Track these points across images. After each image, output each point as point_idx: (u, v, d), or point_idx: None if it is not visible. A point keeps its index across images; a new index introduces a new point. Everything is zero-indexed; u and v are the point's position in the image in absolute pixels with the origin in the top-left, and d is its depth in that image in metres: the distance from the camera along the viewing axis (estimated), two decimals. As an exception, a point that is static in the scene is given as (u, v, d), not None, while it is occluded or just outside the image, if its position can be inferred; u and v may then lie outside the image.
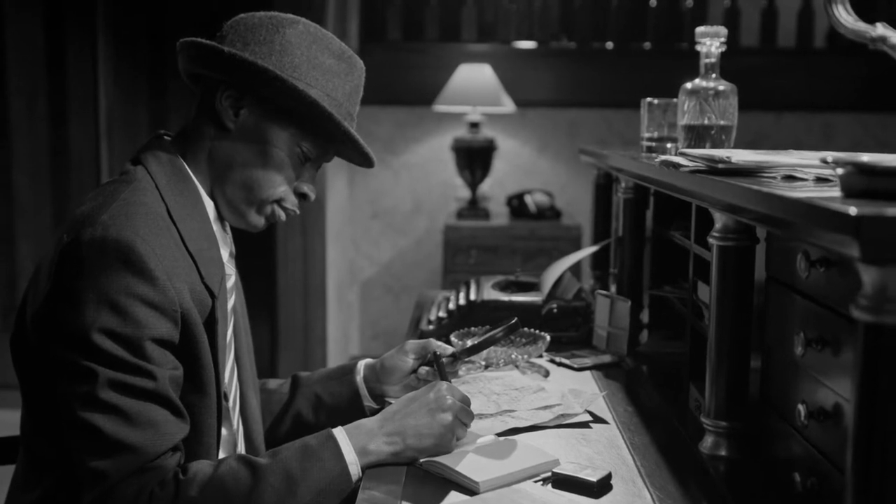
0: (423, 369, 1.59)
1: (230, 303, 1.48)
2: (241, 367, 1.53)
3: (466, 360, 1.76)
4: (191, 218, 1.37)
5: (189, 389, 1.32)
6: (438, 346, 1.59)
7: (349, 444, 1.31)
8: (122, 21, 4.18)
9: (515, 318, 1.59)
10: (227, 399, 1.45)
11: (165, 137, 1.46)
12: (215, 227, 1.43)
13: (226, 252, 1.47)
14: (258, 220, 1.45)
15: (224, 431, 1.41)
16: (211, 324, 1.36)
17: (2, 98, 4.19)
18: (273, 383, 1.69)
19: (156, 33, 4.20)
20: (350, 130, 1.42)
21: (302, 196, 1.47)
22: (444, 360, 1.55)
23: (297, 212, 1.48)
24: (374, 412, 1.58)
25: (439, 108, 4.15)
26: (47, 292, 1.26)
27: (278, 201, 1.44)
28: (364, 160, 1.49)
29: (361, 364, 1.66)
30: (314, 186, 1.48)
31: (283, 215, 1.46)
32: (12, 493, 1.40)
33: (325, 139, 1.44)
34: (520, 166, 4.56)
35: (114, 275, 1.22)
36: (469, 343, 1.62)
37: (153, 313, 1.24)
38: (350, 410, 1.61)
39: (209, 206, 1.43)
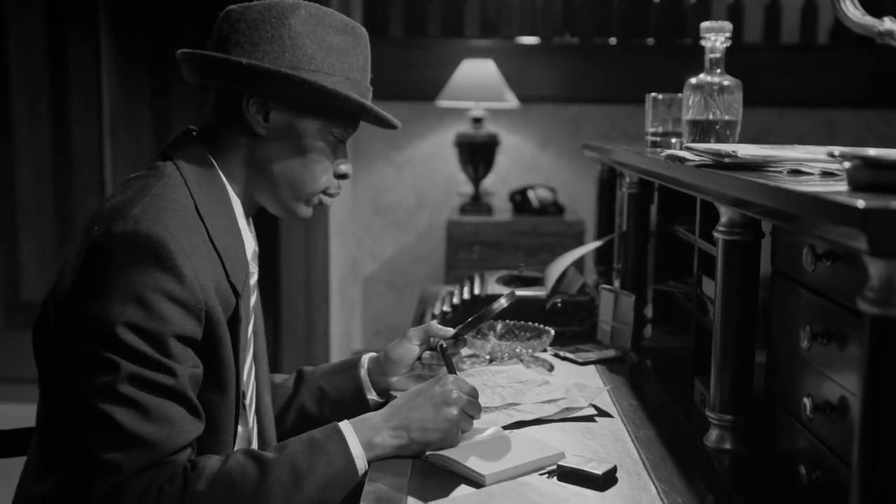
0: (427, 354, 1.61)
1: (252, 300, 1.49)
2: (257, 365, 1.55)
3: (472, 354, 1.79)
4: (218, 215, 1.38)
5: (209, 388, 1.32)
6: (439, 328, 1.61)
7: (355, 437, 1.32)
8: (123, 19, 4.18)
9: (511, 290, 1.61)
10: (244, 397, 1.46)
11: (194, 133, 1.46)
12: (241, 223, 1.44)
13: (250, 249, 1.48)
14: (307, 212, 1.49)
15: (240, 429, 1.42)
16: (234, 322, 1.37)
17: (4, 97, 4.19)
18: (278, 378, 1.70)
19: (157, 31, 4.20)
20: (380, 112, 1.44)
21: (342, 176, 1.49)
22: (446, 342, 1.57)
23: (340, 191, 1.51)
24: (377, 406, 1.59)
25: (442, 103, 4.15)
26: (73, 282, 1.26)
27: (324, 190, 1.47)
28: (388, 125, 1.51)
29: (366, 358, 1.67)
30: (349, 161, 1.50)
31: (328, 200, 1.49)
32: (25, 482, 1.40)
33: (354, 121, 1.47)
34: (522, 162, 4.56)
35: (142, 270, 1.23)
36: (469, 320, 1.61)
37: (178, 310, 1.25)
38: (354, 404, 1.62)
39: (236, 203, 1.44)
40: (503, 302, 1.59)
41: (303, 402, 1.65)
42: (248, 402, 1.49)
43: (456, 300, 2.18)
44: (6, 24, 4.15)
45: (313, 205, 1.48)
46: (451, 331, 1.61)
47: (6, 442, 1.66)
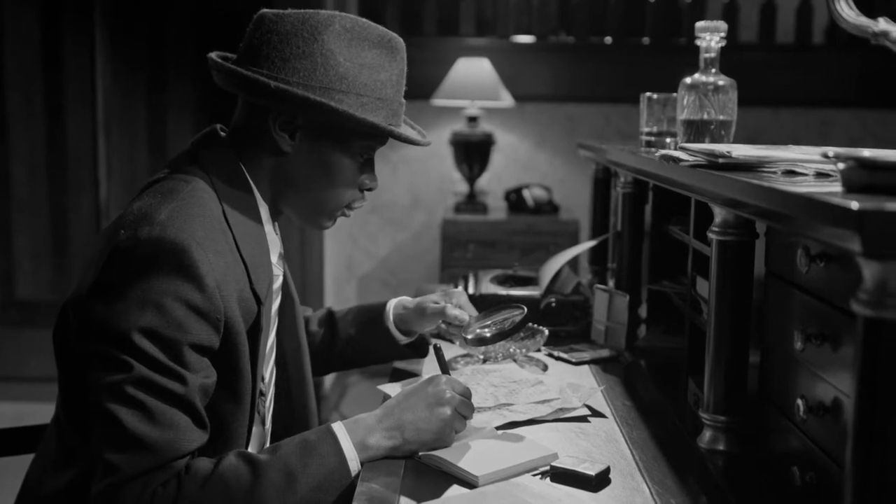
0: (443, 325, 1.75)
1: (275, 305, 1.51)
2: (285, 367, 1.57)
3: (466, 354, 1.80)
4: (246, 221, 1.39)
5: (224, 397, 1.33)
6: (454, 316, 1.70)
7: (348, 439, 1.31)
8: (119, 16, 4.16)
9: (523, 310, 1.71)
10: (263, 397, 1.47)
11: (222, 132, 1.46)
12: (267, 228, 1.45)
13: (275, 254, 1.49)
14: (330, 224, 1.50)
15: (255, 429, 1.43)
16: (255, 332, 1.37)
17: (-1, 93, 4.18)
18: (312, 325, 1.80)
19: (153, 27, 4.19)
20: (410, 137, 1.45)
21: (367, 189, 1.50)
22: (456, 322, 1.69)
23: (364, 203, 1.52)
24: (408, 345, 1.79)
25: (437, 102, 4.15)
26: (94, 283, 1.26)
27: (347, 205, 1.48)
28: (417, 144, 1.51)
29: (391, 309, 1.78)
30: (375, 175, 1.50)
31: (351, 212, 1.51)
32: (38, 477, 1.41)
33: (382, 140, 1.47)
34: (518, 160, 4.56)
35: (164, 276, 1.23)
36: (487, 332, 1.70)
37: (197, 319, 1.25)
38: (387, 349, 1.79)
39: (263, 208, 1.45)
40: (517, 320, 1.69)
41: (341, 350, 1.79)
42: (267, 404, 1.51)
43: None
44: (1, 19, 4.14)
45: (335, 218, 1.49)
46: (465, 318, 1.70)
47: (3, 440, 1.66)
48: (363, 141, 1.43)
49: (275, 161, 1.42)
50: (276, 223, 1.51)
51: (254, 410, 1.39)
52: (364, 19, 1.43)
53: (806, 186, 1.06)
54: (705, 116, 1.63)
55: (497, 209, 4.27)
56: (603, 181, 2.52)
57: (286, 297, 1.58)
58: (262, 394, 1.46)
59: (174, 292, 1.23)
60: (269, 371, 1.52)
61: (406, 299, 1.80)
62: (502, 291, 2.15)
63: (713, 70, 1.64)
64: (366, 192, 1.50)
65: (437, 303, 1.72)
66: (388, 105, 1.42)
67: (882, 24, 1.40)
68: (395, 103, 1.44)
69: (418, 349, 1.83)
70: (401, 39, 1.47)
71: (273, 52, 1.37)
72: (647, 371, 1.81)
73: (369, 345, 1.78)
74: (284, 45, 1.37)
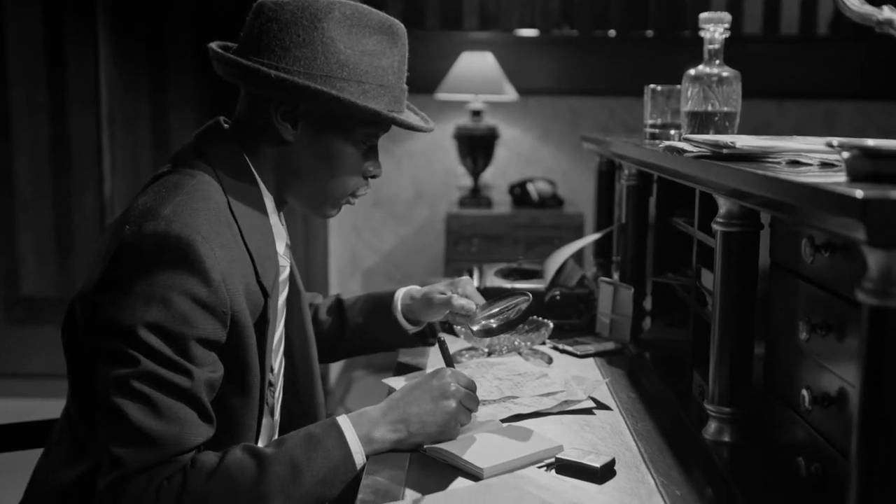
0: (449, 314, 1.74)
1: (282, 297, 1.51)
2: (292, 358, 1.57)
3: (470, 347, 1.79)
4: (251, 214, 1.39)
5: (233, 391, 1.33)
6: (461, 306, 1.68)
7: (353, 432, 1.31)
8: (121, 12, 4.16)
9: (528, 294, 1.70)
10: (273, 387, 1.48)
11: (225, 125, 1.46)
12: (272, 219, 1.45)
13: (282, 245, 1.49)
14: (334, 212, 1.51)
15: (265, 420, 1.43)
16: (262, 324, 1.37)
17: (2, 90, 4.17)
18: (321, 313, 1.80)
19: (156, 25, 4.19)
20: (412, 124, 1.44)
21: (371, 177, 1.50)
22: (462, 312, 1.68)
23: (369, 190, 1.52)
24: (416, 335, 1.80)
25: (441, 96, 4.15)
26: (100, 279, 1.27)
27: (352, 193, 1.48)
28: (420, 131, 1.51)
29: (398, 300, 1.78)
30: (379, 162, 1.50)
31: (356, 200, 1.51)
32: (48, 470, 1.41)
33: (385, 127, 1.46)
34: (521, 154, 4.56)
35: (170, 271, 1.23)
36: (493, 322, 1.68)
37: (203, 313, 1.25)
38: (395, 338, 1.80)
39: (268, 199, 1.45)
40: (522, 307, 1.66)
41: (349, 338, 1.80)
42: (276, 395, 1.51)
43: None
44: (4, 16, 4.14)
45: (340, 206, 1.49)
46: (471, 308, 1.68)
47: (9, 436, 1.66)
48: (366, 128, 1.43)
49: (278, 151, 1.42)
50: (282, 213, 1.51)
51: (263, 402, 1.39)
52: (364, 6, 1.43)
53: (810, 176, 1.05)
54: (709, 108, 1.62)
55: (501, 203, 4.27)
56: (607, 174, 2.52)
57: (293, 288, 1.58)
58: (272, 384, 1.46)
59: (180, 287, 1.23)
60: (277, 362, 1.52)
61: (414, 289, 1.79)
62: (507, 285, 2.15)
63: (717, 61, 1.63)
64: (370, 180, 1.49)
65: (443, 293, 1.72)
66: (389, 92, 1.42)
67: (886, 12, 1.39)
68: (396, 90, 1.44)
69: (426, 338, 1.83)
70: (402, 25, 1.46)
71: (273, 41, 1.36)
72: (651, 363, 1.81)
73: (377, 334, 1.79)
74: (284, 34, 1.36)
